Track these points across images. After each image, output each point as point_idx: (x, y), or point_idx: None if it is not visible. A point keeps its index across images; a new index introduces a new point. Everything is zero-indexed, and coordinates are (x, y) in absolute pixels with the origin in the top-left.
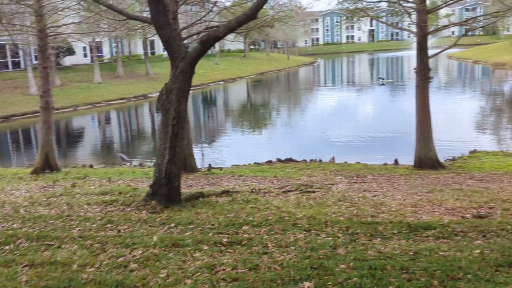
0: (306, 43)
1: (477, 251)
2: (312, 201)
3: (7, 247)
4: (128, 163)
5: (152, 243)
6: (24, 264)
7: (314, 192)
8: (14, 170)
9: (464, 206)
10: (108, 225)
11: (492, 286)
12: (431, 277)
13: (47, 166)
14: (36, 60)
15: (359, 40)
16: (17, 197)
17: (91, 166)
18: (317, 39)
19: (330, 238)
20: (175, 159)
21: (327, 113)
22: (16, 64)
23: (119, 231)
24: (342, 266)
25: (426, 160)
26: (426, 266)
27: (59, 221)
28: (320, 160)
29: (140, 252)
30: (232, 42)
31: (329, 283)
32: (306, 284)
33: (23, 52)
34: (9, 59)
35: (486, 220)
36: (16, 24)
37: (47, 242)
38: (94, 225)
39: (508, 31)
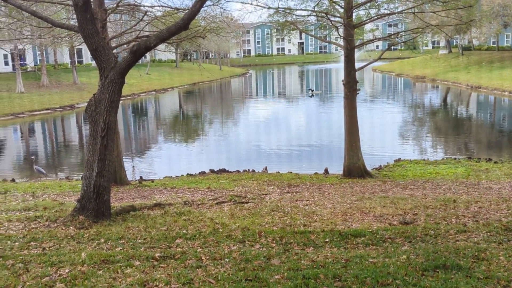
0: (238, 55)
1: (404, 256)
2: (246, 211)
3: None
4: (43, 176)
5: (80, 261)
6: None
7: (247, 202)
8: None
9: (390, 213)
10: (32, 243)
11: None
12: (362, 284)
13: None
14: None
15: (289, 52)
16: None
17: (13, 180)
18: (249, 50)
19: (264, 249)
20: (104, 172)
21: (259, 124)
22: None
23: (44, 249)
24: (277, 276)
25: (355, 169)
26: (357, 273)
27: None
28: (253, 171)
29: (67, 270)
30: (164, 52)
31: None
32: None
33: None
34: None
35: (411, 226)
36: None
37: None
38: (16, 243)
39: (427, 46)
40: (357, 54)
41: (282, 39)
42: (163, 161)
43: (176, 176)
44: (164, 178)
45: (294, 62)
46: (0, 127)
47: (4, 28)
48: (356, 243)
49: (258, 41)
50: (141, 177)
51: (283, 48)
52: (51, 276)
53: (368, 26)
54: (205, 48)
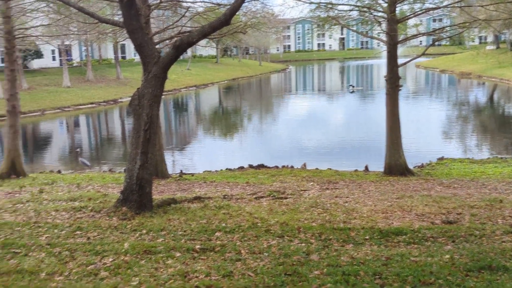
0: (277, 50)
1: (447, 256)
2: (285, 207)
3: None
4: (88, 168)
5: (123, 250)
6: None
7: (286, 198)
8: None
9: (433, 212)
10: (78, 232)
11: None
12: (403, 283)
13: (13, 171)
14: (2, 62)
15: (330, 48)
16: None
17: (59, 171)
18: (289, 46)
19: (303, 244)
20: (146, 165)
21: (298, 120)
22: None
23: (88, 238)
24: (316, 272)
25: (396, 166)
26: (399, 272)
27: (26, 228)
28: (292, 167)
29: (110, 259)
30: (205, 47)
31: None
32: None
33: None
34: None
35: (455, 226)
36: None
37: (13, 250)
38: (63, 232)
39: (473, 41)
40: (400, 49)
41: (323, 35)
42: (202, 156)
43: (216, 171)
44: (203, 172)
45: (334, 58)
46: (47, 120)
47: (53, 25)
48: (397, 241)
49: (298, 37)
50: (181, 170)
51: (323, 44)
52: (95, 264)
53: (411, 21)
54: (246, 43)
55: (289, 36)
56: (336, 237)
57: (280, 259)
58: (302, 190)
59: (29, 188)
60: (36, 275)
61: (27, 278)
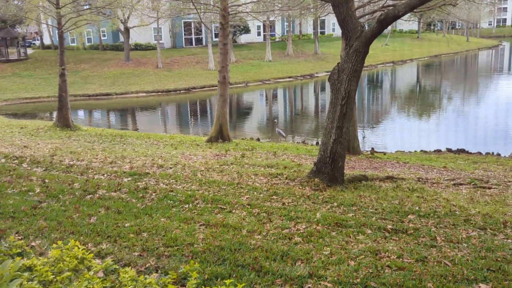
0: (490, 24)
1: None
2: (488, 197)
3: (186, 206)
4: (284, 139)
5: (315, 220)
6: (200, 223)
7: (490, 188)
8: (192, 137)
9: None
10: (274, 197)
11: None
12: None
13: (220, 136)
14: (216, 37)
15: None
16: (194, 161)
17: (258, 139)
18: (504, 20)
19: (510, 241)
20: (341, 139)
21: (508, 104)
22: (198, 41)
23: (283, 203)
24: None
25: None
26: None
27: (230, 187)
28: (498, 154)
29: (303, 226)
30: (408, 21)
31: None
32: (483, 286)
33: (205, 29)
34: (193, 36)
35: None
36: (202, 3)
37: (220, 206)
38: (261, 195)
39: None
40: None
41: None
42: (394, 135)
43: (409, 152)
44: (396, 152)
45: None
46: (249, 92)
47: (261, 1)
48: None
49: None
50: (372, 148)
51: None
52: (290, 229)
53: None
54: (454, 17)
55: (505, 8)
56: None
57: (482, 252)
58: (510, 181)
59: (233, 152)
60: (239, 230)
61: (231, 232)
